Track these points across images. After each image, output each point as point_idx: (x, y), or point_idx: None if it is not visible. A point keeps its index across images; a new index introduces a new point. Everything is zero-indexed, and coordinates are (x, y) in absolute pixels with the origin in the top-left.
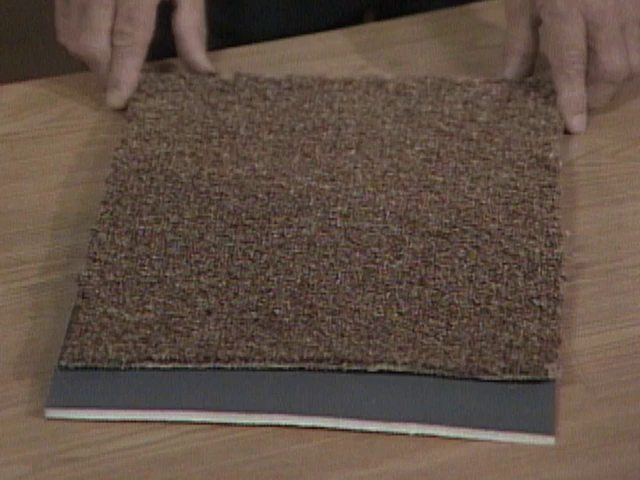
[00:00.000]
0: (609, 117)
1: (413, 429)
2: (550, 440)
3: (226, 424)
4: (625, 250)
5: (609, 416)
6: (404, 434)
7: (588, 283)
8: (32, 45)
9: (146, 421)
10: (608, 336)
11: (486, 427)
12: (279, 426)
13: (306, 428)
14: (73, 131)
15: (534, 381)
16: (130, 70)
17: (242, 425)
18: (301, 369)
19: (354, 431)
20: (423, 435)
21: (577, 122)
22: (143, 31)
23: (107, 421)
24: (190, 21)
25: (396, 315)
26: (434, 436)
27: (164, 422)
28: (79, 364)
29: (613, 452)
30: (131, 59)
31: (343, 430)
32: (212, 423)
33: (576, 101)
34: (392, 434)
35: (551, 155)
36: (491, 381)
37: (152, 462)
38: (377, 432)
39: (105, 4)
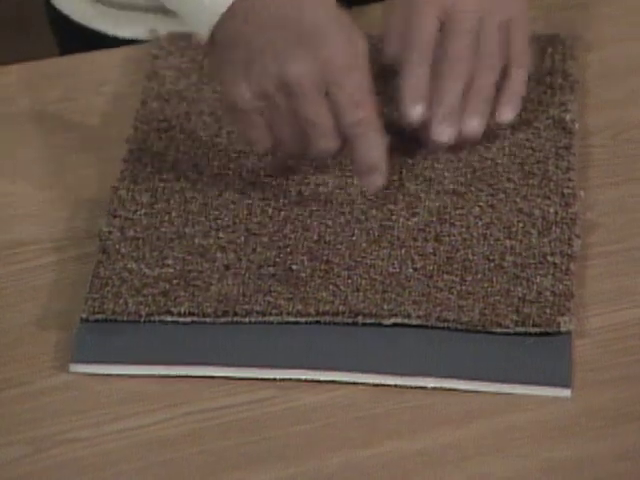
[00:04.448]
0: (609, 99)
1: (430, 383)
2: (566, 392)
3: (226, 406)
4: (626, 232)
5: (610, 397)
6: (401, 415)
7: (589, 265)
8: (32, 26)
9: (167, 376)
10: (609, 318)
11: (503, 380)
12: (280, 407)
13: (306, 408)
14: (73, 112)
15: (549, 334)
16: (379, 148)
17: (260, 380)
18: (317, 323)
19: (371, 385)
20: (441, 388)
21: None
22: (372, 108)
23: (129, 376)
24: None
25: (411, 270)
26: (434, 421)
27: (170, 404)
28: (99, 317)
29: (614, 433)
30: (375, 139)
31: (345, 410)
32: (234, 378)
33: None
34: (392, 414)
35: (568, 117)
36: (506, 334)
37: (152, 443)
38: (380, 413)
39: (318, 102)
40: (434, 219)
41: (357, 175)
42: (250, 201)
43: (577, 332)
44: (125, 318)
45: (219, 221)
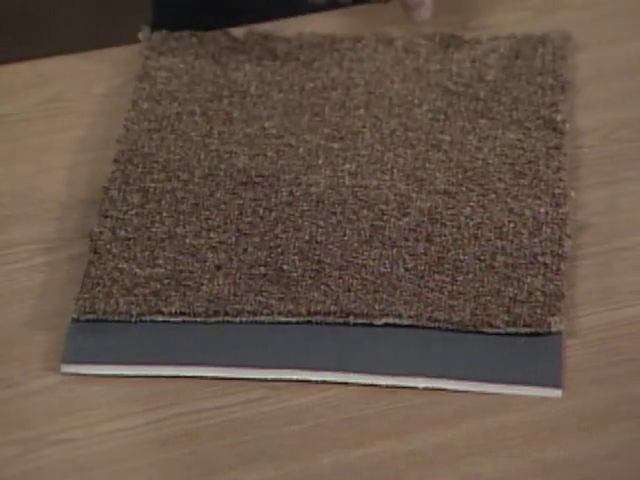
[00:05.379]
0: (600, 99)
1: (422, 383)
2: (557, 393)
3: (218, 406)
4: (617, 233)
5: (600, 397)
6: (392, 415)
7: (580, 265)
8: (23, 26)
9: (159, 376)
10: (598, 318)
11: (494, 380)
12: (271, 407)
13: (297, 409)
14: (65, 113)
15: (540, 335)
16: None
17: (252, 381)
18: (309, 323)
19: (362, 385)
20: (432, 388)
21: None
22: None
23: (121, 376)
24: None
25: (402, 270)
26: (426, 420)
27: (162, 405)
28: (90, 317)
29: (603, 433)
30: None
31: (336, 410)
32: (226, 378)
33: None
34: (384, 414)
35: (558, 117)
36: (498, 334)
37: (145, 444)
38: (371, 413)
39: None
40: (425, 219)
41: (406, 10)
42: (241, 201)
43: (568, 332)
44: (116, 318)
45: (210, 221)
